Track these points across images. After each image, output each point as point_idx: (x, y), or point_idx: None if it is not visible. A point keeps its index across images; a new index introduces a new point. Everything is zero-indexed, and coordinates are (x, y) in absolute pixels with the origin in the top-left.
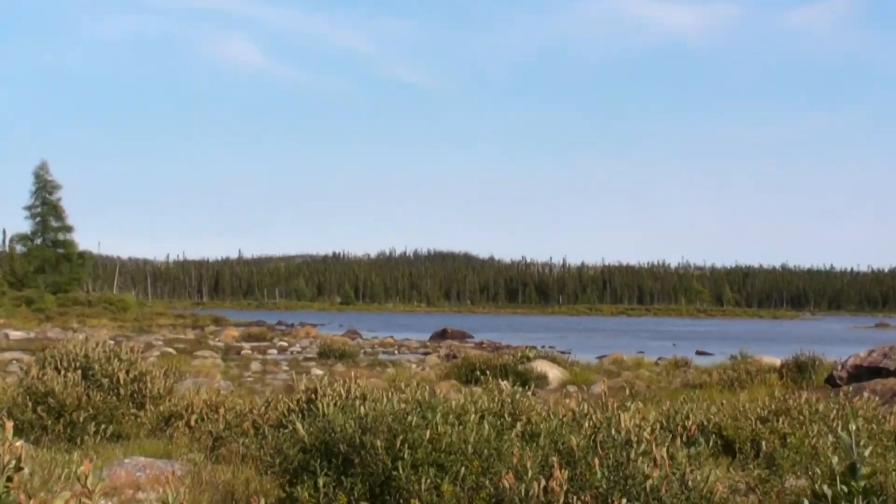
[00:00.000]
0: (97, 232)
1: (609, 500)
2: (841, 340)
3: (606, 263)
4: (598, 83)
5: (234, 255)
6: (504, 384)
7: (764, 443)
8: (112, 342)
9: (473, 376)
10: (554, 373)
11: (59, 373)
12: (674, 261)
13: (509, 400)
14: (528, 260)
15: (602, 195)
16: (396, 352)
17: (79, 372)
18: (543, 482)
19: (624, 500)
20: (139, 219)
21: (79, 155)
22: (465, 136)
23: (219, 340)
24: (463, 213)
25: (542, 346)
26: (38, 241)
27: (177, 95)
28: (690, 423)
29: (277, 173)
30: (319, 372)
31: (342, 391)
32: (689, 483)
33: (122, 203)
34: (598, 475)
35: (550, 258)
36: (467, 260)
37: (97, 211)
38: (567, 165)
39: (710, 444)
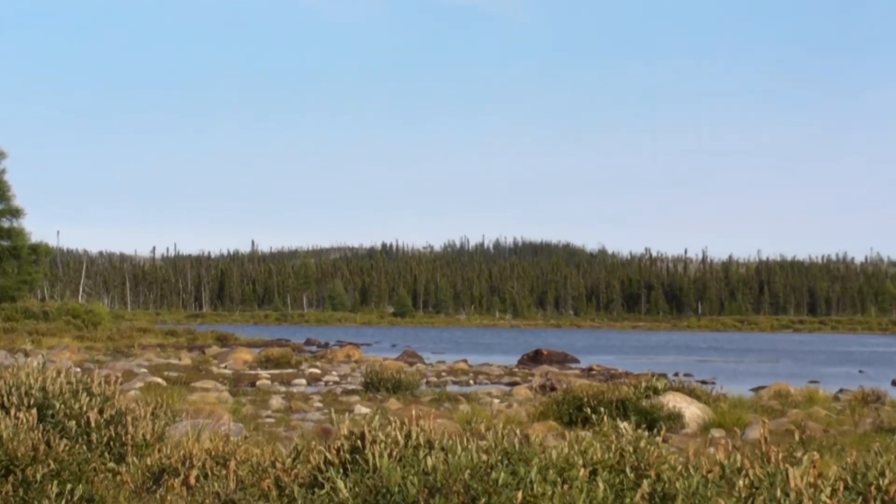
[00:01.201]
0: (56, 218)
1: None
2: None
3: (763, 258)
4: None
5: (245, 249)
6: (623, 426)
7: None
8: (78, 369)
9: (580, 416)
10: (692, 411)
11: (5, 413)
12: (859, 254)
13: (631, 449)
14: (655, 253)
15: (755, 165)
16: (472, 381)
17: (33, 411)
18: None
19: None
20: (114, 200)
21: (32, 121)
22: (557, 93)
23: (225, 367)
24: (562, 189)
25: (675, 374)
26: None
27: (168, 44)
28: (887, 482)
29: (302, 141)
30: (366, 410)
31: (399, 436)
32: None
33: (91, 181)
34: None
35: (685, 251)
36: (569, 254)
37: (57, 191)
38: (705, 127)
39: None
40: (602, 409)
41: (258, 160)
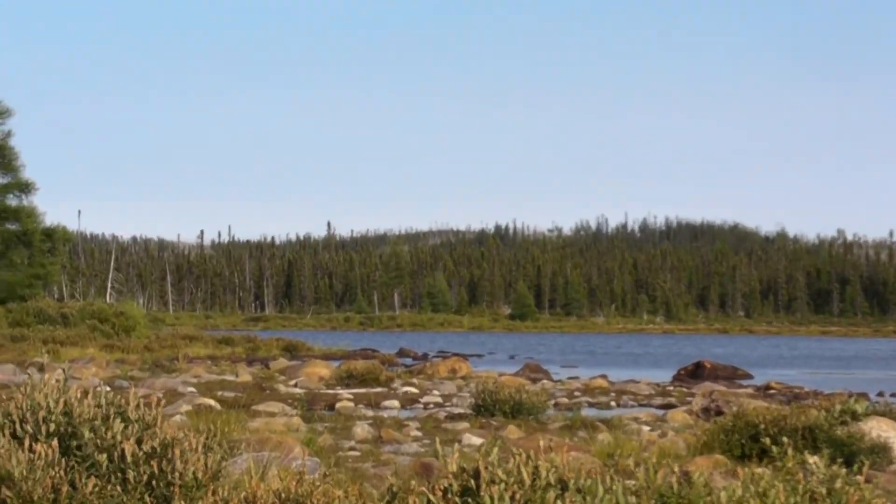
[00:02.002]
0: (77, 194)
1: None
2: None
3: None
4: None
5: (319, 233)
6: (813, 461)
7: None
8: (108, 388)
9: (755, 447)
10: None
11: (18, 444)
12: None
13: (824, 490)
14: (850, 237)
15: None
16: (614, 403)
17: (54, 442)
18: None
19: None
20: (150, 172)
21: (48, 74)
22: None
23: (296, 384)
24: (730, 156)
25: (880, 394)
26: None
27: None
28: None
29: (389, 102)
30: (478, 440)
31: (524, 474)
32: None
33: (121, 147)
34: None
35: (891, 234)
36: (738, 238)
37: (78, 165)
38: None
39: None
40: (784, 439)
41: (333, 124)
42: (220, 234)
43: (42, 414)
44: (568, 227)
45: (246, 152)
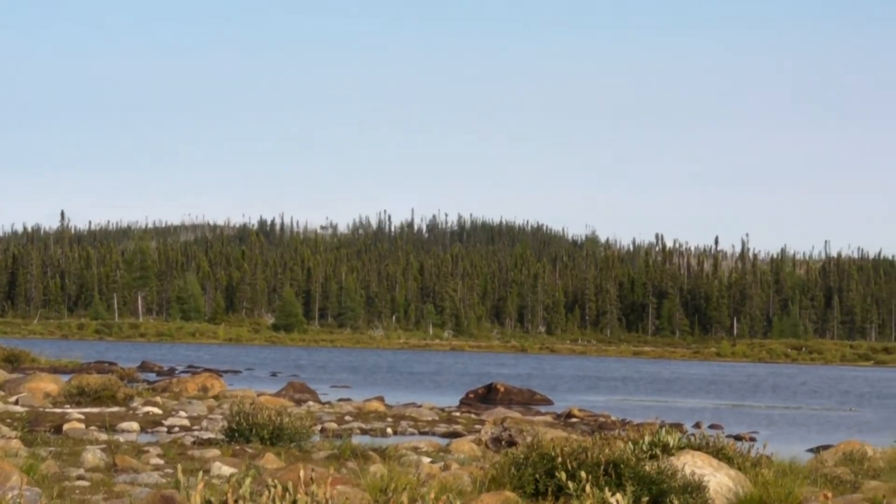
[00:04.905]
0: None
1: None
2: None
3: (833, 254)
4: None
5: (50, 224)
6: (616, 500)
7: None
8: None
9: (551, 483)
10: (720, 480)
11: None
12: None
13: None
14: (670, 244)
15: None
16: (390, 430)
17: None
18: None
19: None
20: None
21: None
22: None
23: (16, 401)
24: (533, 148)
25: (696, 425)
26: None
27: None
28: None
29: (137, 70)
30: (230, 470)
31: None
32: None
33: None
34: None
35: (715, 241)
36: (541, 242)
37: None
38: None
39: None
40: (584, 475)
41: (69, 91)
42: None
43: None
44: (344, 224)
45: None
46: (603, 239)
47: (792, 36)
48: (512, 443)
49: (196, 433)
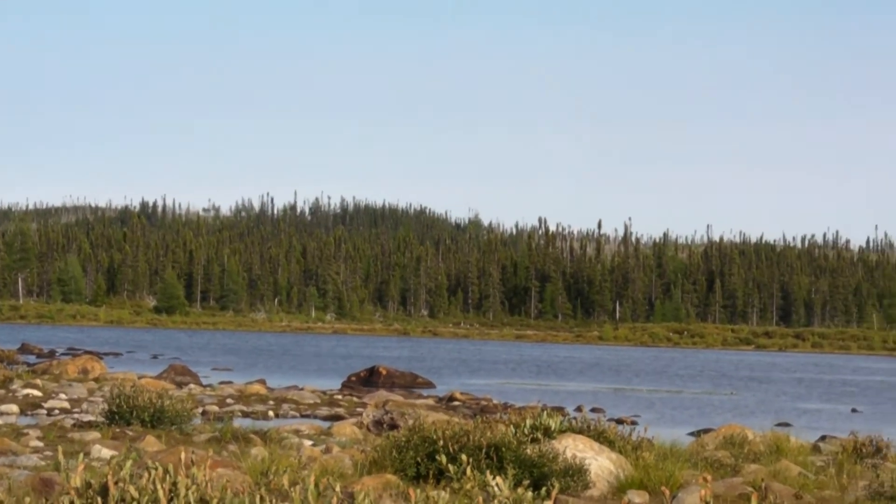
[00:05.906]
0: None
1: None
2: None
3: (715, 238)
4: None
5: None
6: (496, 483)
7: None
8: None
9: (432, 466)
10: (601, 463)
11: None
12: (857, 236)
13: None
14: (553, 227)
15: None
16: (272, 413)
17: None
18: None
19: None
20: None
21: None
22: None
23: None
24: (413, 132)
25: (578, 409)
26: None
27: None
28: None
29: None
30: (110, 452)
31: (160, 492)
32: None
33: None
34: None
35: (598, 225)
36: (424, 225)
37: None
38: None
39: None
40: (465, 458)
41: None
42: None
43: None
44: (227, 206)
45: None
46: (486, 223)
47: (675, 23)
48: (394, 426)
49: (76, 416)
